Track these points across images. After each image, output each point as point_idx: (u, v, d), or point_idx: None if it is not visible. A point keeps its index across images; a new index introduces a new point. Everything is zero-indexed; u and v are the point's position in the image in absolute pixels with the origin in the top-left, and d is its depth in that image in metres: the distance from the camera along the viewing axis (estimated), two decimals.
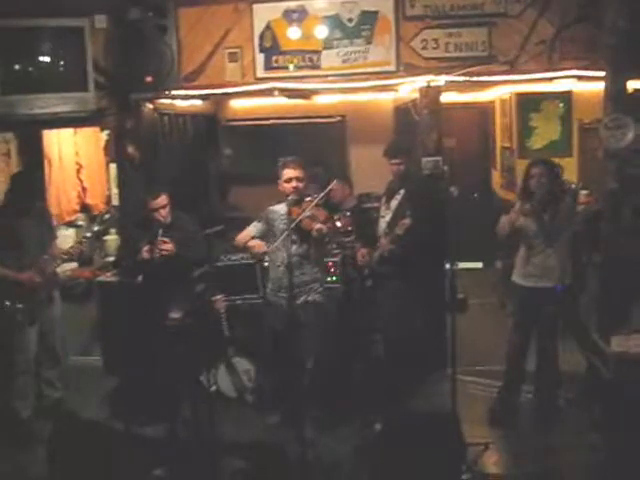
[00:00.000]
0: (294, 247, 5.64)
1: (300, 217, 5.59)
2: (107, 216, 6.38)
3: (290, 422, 5.78)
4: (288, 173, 5.84)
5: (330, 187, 5.98)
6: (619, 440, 5.56)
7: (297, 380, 5.60)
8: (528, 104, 9.23)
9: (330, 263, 6.71)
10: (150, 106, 7.52)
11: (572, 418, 6.07)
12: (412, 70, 7.01)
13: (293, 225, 5.51)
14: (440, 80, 6.93)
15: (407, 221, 6.14)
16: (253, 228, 6.02)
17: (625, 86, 6.28)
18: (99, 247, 8.53)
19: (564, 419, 6.02)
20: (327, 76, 7.14)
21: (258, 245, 5.93)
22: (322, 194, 5.75)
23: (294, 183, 5.81)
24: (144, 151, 7.37)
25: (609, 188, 6.41)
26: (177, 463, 5.27)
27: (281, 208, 5.91)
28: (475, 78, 6.93)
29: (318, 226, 5.66)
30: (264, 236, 5.99)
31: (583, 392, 6.31)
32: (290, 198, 5.77)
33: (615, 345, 5.85)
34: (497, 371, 6.44)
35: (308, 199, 5.77)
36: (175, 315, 6.09)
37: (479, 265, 10.29)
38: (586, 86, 8.75)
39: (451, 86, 7.22)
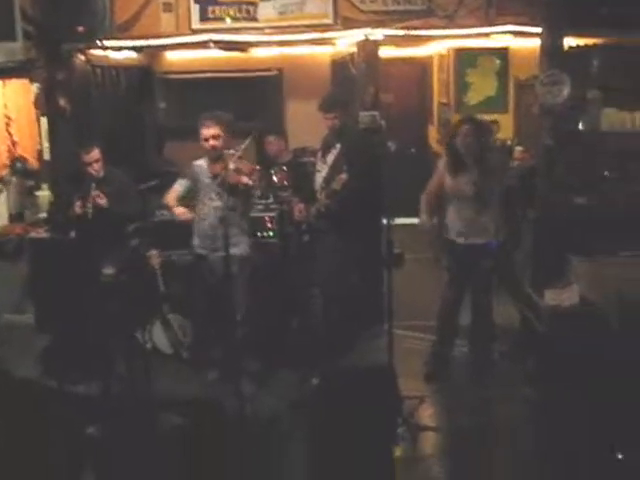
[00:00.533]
0: (219, 201, 5.59)
1: (224, 172, 5.51)
2: (19, 165, 6.21)
3: (225, 378, 5.77)
4: (203, 132, 5.76)
5: (248, 140, 5.87)
6: (552, 393, 5.68)
7: (229, 334, 5.57)
8: (465, 60, 9.25)
9: (267, 218, 6.66)
10: (82, 58, 7.31)
11: (506, 371, 6.15)
12: (350, 23, 6.94)
13: (218, 181, 5.45)
14: (378, 34, 6.87)
15: (344, 176, 6.09)
16: (179, 186, 5.95)
17: (561, 42, 6.32)
18: (31, 203, 8.33)
19: (498, 372, 6.09)
20: (263, 28, 7.02)
21: (183, 213, 5.87)
22: (242, 146, 5.67)
23: (211, 142, 5.74)
24: (76, 104, 7.19)
25: (544, 144, 6.47)
26: (111, 420, 5.20)
27: (204, 162, 5.85)
28: (413, 32, 6.88)
29: (244, 179, 5.60)
30: (191, 191, 5.91)
31: (517, 345, 6.41)
32: (210, 155, 5.72)
33: (548, 299, 5.96)
34: (433, 326, 6.48)
35: (231, 152, 5.68)
36: (109, 271, 6.00)
37: (415, 221, 10.31)
38: (523, 42, 8.81)
39: (389, 40, 7.18)
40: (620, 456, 4.71)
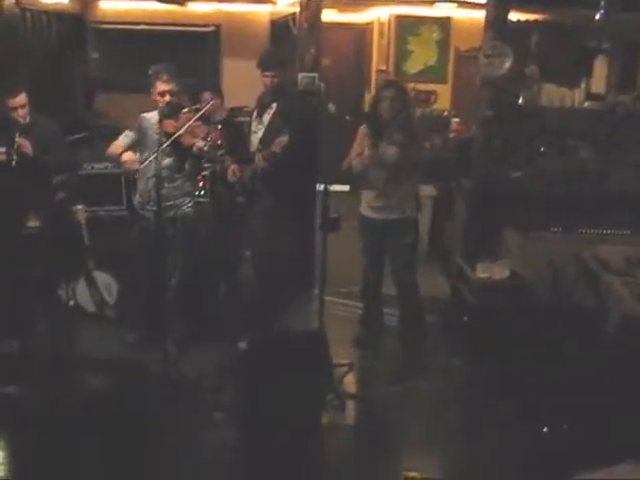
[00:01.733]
0: (167, 160, 5.40)
1: (179, 132, 5.29)
2: None
3: (150, 340, 5.63)
4: (161, 86, 5.52)
5: (210, 104, 5.70)
6: (479, 364, 5.71)
7: (161, 296, 5.41)
8: (407, 27, 9.17)
9: (199, 177, 6.48)
10: (11, 1, 6.98)
11: (435, 342, 6.15)
12: None
13: (170, 140, 5.23)
14: None
15: (285, 138, 5.92)
16: (125, 138, 5.68)
17: (506, 14, 6.26)
18: None
19: (427, 343, 6.08)
20: None
21: (131, 160, 5.56)
22: (203, 110, 5.46)
23: (167, 97, 5.51)
24: (2, 48, 6.85)
25: (483, 116, 6.43)
26: (31, 380, 5.04)
27: (154, 116, 5.61)
28: None
29: (200, 143, 5.41)
30: (136, 145, 5.68)
31: (447, 316, 6.42)
32: (163, 110, 5.49)
33: (479, 271, 5.97)
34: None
35: (185, 110, 5.47)
36: (32, 223, 5.75)
37: (346, 188, 10.26)
38: (465, 13, 8.79)
39: (332, 3, 7.04)
40: (545, 429, 4.76)
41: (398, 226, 5.74)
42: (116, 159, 5.73)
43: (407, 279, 5.91)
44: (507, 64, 6.16)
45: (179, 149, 5.44)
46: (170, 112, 5.46)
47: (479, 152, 6.53)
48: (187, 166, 5.66)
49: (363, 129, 5.86)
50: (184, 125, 5.32)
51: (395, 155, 5.57)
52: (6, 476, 4.32)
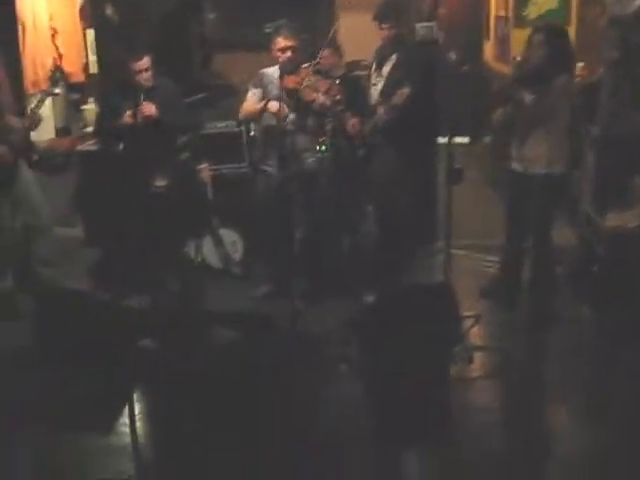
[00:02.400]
0: (289, 115, 5.40)
1: (300, 86, 5.27)
2: (57, 74, 6.05)
3: (278, 294, 5.70)
4: (282, 42, 5.52)
5: (321, 53, 5.65)
6: (609, 315, 5.54)
7: (287, 251, 5.46)
8: None
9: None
10: None
11: (563, 293, 6.00)
12: None
13: (293, 95, 5.22)
14: None
15: (406, 90, 5.82)
16: (254, 96, 5.71)
17: None
18: (77, 117, 8.23)
19: (556, 294, 5.94)
20: None
21: (276, 107, 5.55)
22: (317, 59, 5.42)
23: (289, 54, 5.51)
24: (123, 12, 6.99)
25: (610, 58, 6.15)
26: (164, 334, 5.17)
27: (274, 71, 5.61)
28: None
29: (321, 98, 5.38)
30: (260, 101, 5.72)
31: (576, 267, 6.23)
32: (285, 66, 5.49)
33: (611, 220, 5.76)
34: (485, 245, 6.33)
35: (305, 65, 5.45)
36: (160, 183, 5.88)
37: (466, 140, 10.10)
38: None
39: None
40: None
41: (538, 180, 5.50)
42: (257, 115, 5.72)
43: (543, 231, 5.73)
44: (637, 1, 5.87)
45: (301, 104, 5.43)
46: (292, 68, 5.46)
47: (607, 96, 6.27)
48: (309, 121, 5.64)
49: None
50: (305, 80, 5.30)
51: (540, 101, 5.36)
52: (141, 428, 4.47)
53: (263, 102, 5.61)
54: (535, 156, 5.51)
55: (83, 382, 4.54)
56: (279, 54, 5.53)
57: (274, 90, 5.53)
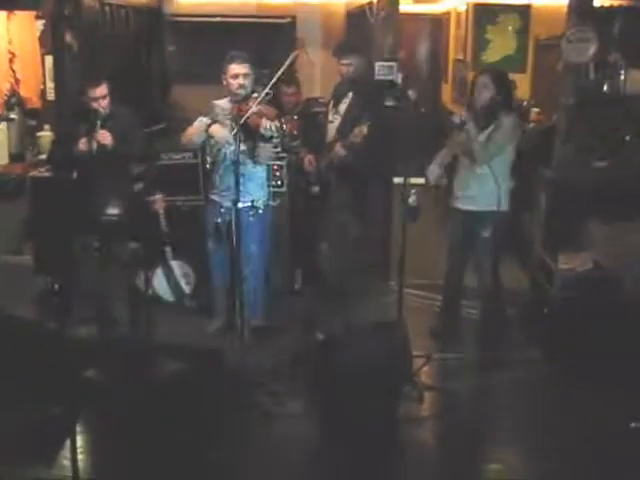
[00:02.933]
0: (240, 146, 5.38)
1: (248, 113, 5.28)
2: (13, 99, 5.99)
3: (228, 328, 5.64)
4: (234, 69, 5.52)
5: (274, 80, 5.62)
6: (560, 356, 5.57)
7: (236, 285, 5.40)
8: (485, 16, 9.00)
9: (275, 167, 6.45)
10: None
11: (515, 334, 6.03)
12: None
13: (241, 122, 5.21)
14: None
15: (364, 128, 5.86)
16: (199, 123, 5.69)
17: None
18: (32, 144, 8.13)
19: (507, 335, 5.96)
20: None
21: (221, 130, 5.56)
22: (266, 89, 5.42)
23: (240, 80, 5.50)
24: (83, 41, 6.94)
25: (565, 103, 6.26)
26: (110, 364, 5.08)
27: (225, 103, 5.62)
28: None
29: (267, 124, 5.38)
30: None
31: (527, 309, 6.28)
32: (235, 94, 5.49)
33: (562, 262, 5.81)
34: (439, 285, 6.34)
35: (254, 95, 5.46)
36: (111, 211, 5.80)
37: (422, 180, 10.15)
38: (545, 0, 8.59)
39: None
40: (634, 425, 4.60)
41: (485, 218, 5.58)
42: (198, 133, 5.70)
43: (488, 268, 5.80)
44: (592, 50, 6.00)
45: (248, 132, 5.43)
46: (242, 96, 5.46)
47: (561, 141, 6.37)
48: (258, 151, 5.62)
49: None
50: (252, 106, 5.30)
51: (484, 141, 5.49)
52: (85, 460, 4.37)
53: (207, 125, 5.59)
54: (481, 194, 5.55)
55: (25, 412, 4.46)
56: (231, 81, 5.53)
57: (225, 121, 5.52)
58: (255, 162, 5.63)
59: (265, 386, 5.13)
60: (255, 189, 5.66)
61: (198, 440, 4.45)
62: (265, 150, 5.67)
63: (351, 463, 4.42)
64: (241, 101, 5.44)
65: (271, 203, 5.86)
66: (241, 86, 5.48)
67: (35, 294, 6.57)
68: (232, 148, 5.30)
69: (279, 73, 5.20)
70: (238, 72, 5.49)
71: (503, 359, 5.70)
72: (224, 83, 5.58)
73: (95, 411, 4.68)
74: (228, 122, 5.50)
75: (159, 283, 6.36)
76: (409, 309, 5.90)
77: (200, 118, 5.69)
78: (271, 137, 5.52)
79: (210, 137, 5.62)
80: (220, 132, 5.55)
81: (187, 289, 6.37)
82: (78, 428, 4.42)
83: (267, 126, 5.38)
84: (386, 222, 6.85)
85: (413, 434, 4.84)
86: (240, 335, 5.16)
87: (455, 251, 5.94)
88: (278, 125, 5.45)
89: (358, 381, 4.67)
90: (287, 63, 5.24)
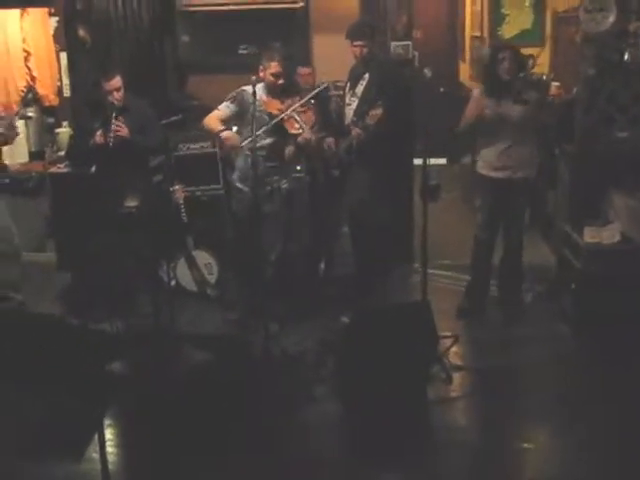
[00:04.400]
0: (268, 139, 5.35)
1: (284, 114, 5.23)
2: (30, 96, 5.98)
3: (251, 318, 5.61)
4: (275, 67, 5.50)
5: (318, 90, 5.61)
6: (589, 332, 5.50)
7: (261, 273, 5.37)
8: None
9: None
10: None
11: (543, 311, 5.96)
12: None
13: (275, 121, 5.19)
14: None
15: (379, 111, 5.79)
16: (226, 109, 5.61)
17: None
18: (51, 141, 8.14)
19: (535, 311, 5.90)
20: None
21: (232, 138, 5.54)
22: (308, 96, 5.39)
23: (280, 80, 5.49)
24: (96, 34, 6.92)
25: (586, 74, 6.15)
26: (135, 358, 5.08)
27: (258, 91, 5.52)
28: None
29: (306, 135, 5.36)
30: (234, 118, 5.65)
31: (554, 284, 6.20)
32: (271, 90, 5.47)
33: (588, 237, 5.72)
34: (463, 265, 6.28)
35: (297, 98, 5.43)
36: (131, 203, 5.78)
37: (443, 161, 10.08)
38: None
39: None
40: None
41: (519, 185, 5.76)
42: (214, 134, 5.68)
43: (518, 241, 5.93)
44: (610, 18, 5.87)
45: (281, 132, 5.38)
46: (277, 92, 5.43)
47: (583, 113, 6.25)
48: (287, 152, 5.60)
49: (477, 92, 5.89)
50: (289, 108, 5.26)
51: (521, 113, 5.61)
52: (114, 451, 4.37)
53: (220, 128, 5.56)
54: (513, 163, 5.70)
55: (54, 407, 4.46)
56: (271, 78, 5.50)
57: (256, 112, 5.43)
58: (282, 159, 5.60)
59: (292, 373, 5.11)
60: (277, 178, 5.63)
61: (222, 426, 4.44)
62: (294, 152, 5.66)
63: (381, 447, 4.37)
64: (278, 96, 5.42)
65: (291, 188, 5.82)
66: (280, 85, 5.49)
67: (59, 290, 6.58)
68: (264, 142, 5.28)
69: (303, 100, 5.21)
70: (279, 71, 5.48)
71: (532, 336, 5.63)
72: (261, 75, 5.54)
73: (122, 404, 4.68)
74: (259, 114, 5.43)
75: (182, 274, 6.35)
76: (436, 289, 5.88)
77: (227, 104, 5.62)
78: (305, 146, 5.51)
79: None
80: (231, 139, 5.52)
81: (210, 279, 6.35)
82: (106, 422, 4.45)
83: (307, 137, 5.37)
84: (409, 203, 6.78)
85: (442, 415, 4.79)
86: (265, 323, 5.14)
87: (486, 225, 5.93)
88: (317, 134, 5.44)
89: (384, 364, 4.62)
90: (314, 92, 5.25)
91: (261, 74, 5.56)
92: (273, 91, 5.51)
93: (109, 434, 4.51)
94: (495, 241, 5.99)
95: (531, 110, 5.64)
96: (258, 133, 5.21)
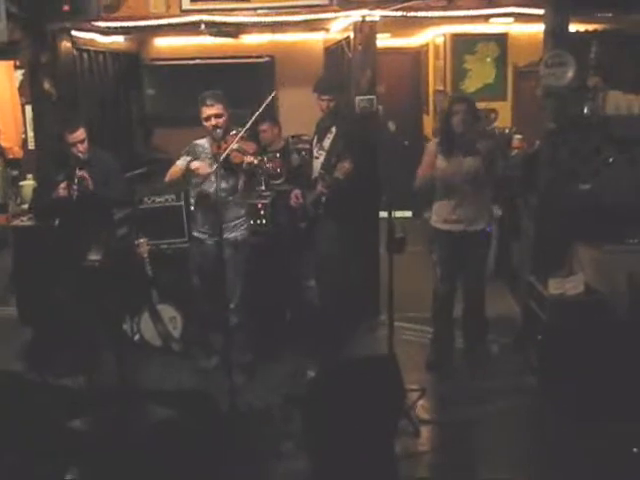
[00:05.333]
0: (222, 183, 5.34)
1: (228, 150, 5.27)
2: None
3: (219, 367, 5.56)
4: (205, 111, 5.54)
5: (253, 118, 5.59)
6: (555, 383, 5.49)
7: (223, 322, 5.33)
8: (463, 45, 9.02)
9: (259, 205, 6.43)
10: (68, 43, 7.03)
11: (508, 362, 5.96)
12: (345, 4, 6.67)
13: (222, 158, 5.20)
14: (375, 15, 6.61)
15: (347, 164, 5.89)
16: (183, 161, 5.65)
17: (567, 23, 6.12)
18: (15, 194, 8.09)
19: (501, 363, 5.90)
20: (256, 9, 6.75)
21: (201, 166, 5.52)
22: (247, 126, 5.39)
23: (213, 121, 5.51)
24: (61, 88, 6.90)
25: (547, 128, 6.26)
26: (98, 413, 4.96)
27: (205, 142, 5.62)
28: (412, 14, 6.62)
29: (249, 159, 5.34)
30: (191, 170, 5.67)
31: (519, 336, 6.22)
32: (213, 134, 5.49)
33: (552, 288, 5.76)
34: (430, 318, 6.28)
35: (233, 132, 5.44)
36: (94, 257, 5.73)
37: (408, 214, 10.13)
38: (521, 28, 8.64)
39: (385, 26, 6.95)
40: (635, 449, 4.51)
41: (475, 238, 5.78)
42: (180, 175, 5.65)
43: (479, 291, 5.96)
44: (570, 73, 6.01)
45: (229, 169, 5.41)
46: (218, 135, 5.45)
47: (545, 166, 6.36)
48: (241, 187, 5.63)
49: (432, 145, 5.91)
50: (233, 143, 5.29)
51: (472, 167, 5.63)
52: None
53: (187, 162, 5.56)
54: (467, 216, 5.73)
55: (15, 465, 4.34)
56: (205, 123, 5.53)
57: (206, 160, 5.52)
58: (236, 201, 5.62)
59: (258, 427, 5.04)
60: (235, 223, 5.64)
61: None
62: (247, 184, 5.68)
63: None
64: (220, 139, 5.44)
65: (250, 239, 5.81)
66: (215, 126, 5.49)
67: (21, 346, 6.47)
68: (214, 186, 5.28)
69: (257, 112, 5.21)
70: (210, 113, 5.53)
71: (499, 388, 5.62)
72: (202, 124, 5.58)
73: (84, 462, 4.56)
74: (209, 161, 5.50)
75: (146, 328, 6.27)
76: (402, 342, 5.86)
77: (183, 157, 5.67)
78: (255, 171, 5.50)
79: (191, 175, 5.59)
80: (201, 167, 5.52)
81: (175, 333, 6.28)
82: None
83: (250, 160, 5.35)
84: (376, 256, 6.78)
85: (411, 470, 4.74)
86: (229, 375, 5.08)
87: (445, 277, 5.93)
88: (261, 159, 5.42)
89: (351, 418, 4.57)
90: (265, 103, 5.25)
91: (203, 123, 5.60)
92: (214, 134, 5.52)
93: None
94: (454, 294, 6.01)
95: (483, 161, 5.63)
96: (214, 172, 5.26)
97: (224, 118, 5.52)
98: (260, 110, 5.22)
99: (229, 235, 5.59)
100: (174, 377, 5.82)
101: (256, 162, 5.36)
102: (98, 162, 5.87)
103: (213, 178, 5.35)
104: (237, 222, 5.69)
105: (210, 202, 5.45)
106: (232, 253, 5.59)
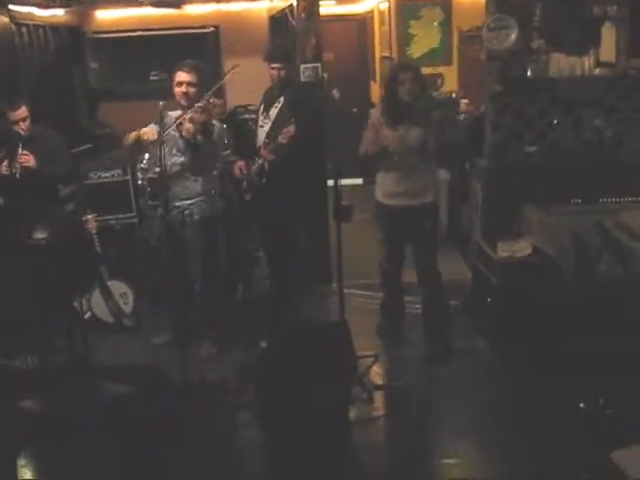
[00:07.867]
0: (181, 158, 5.29)
1: (180, 119, 5.21)
2: None
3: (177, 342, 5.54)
4: (180, 75, 5.44)
5: (211, 91, 5.53)
6: (505, 345, 5.56)
7: (181, 300, 5.30)
8: (408, 11, 9.04)
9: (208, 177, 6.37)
10: (5, 18, 6.87)
11: (459, 325, 6.02)
12: None
13: (170, 127, 5.14)
14: None
15: (291, 129, 5.79)
16: (147, 128, 5.54)
17: None
18: None
19: (451, 327, 5.94)
20: None
21: (149, 132, 5.38)
22: (206, 96, 5.33)
23: (183, 88, 5.42)
24: (0, 64, 6.76)
25: (491, 91, 6.30)
26: (50, 393, 4.93)
27: (175, 113, 5.49)
28: None
29: (187, 125, 5.29)
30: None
31: (469, 299, 6.27)
32: (181, 101, 5.42)
33: (501, 250, 5.81)
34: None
35: (199, 104, 5.36)
36: (40, 235, 5.66)
37: (359, 181, 10.14)
38: None
39: None
40: (582, 405, 4.60)
41: (420, 212, 5.50)
42: (134, 143, 5.55)
43: (430, 266, 5.67)
44: (512, 36, 6.05)
45: (187, 141, 5.36)
46: (187, 105, 5.38)
47: (491, 129, 6.40)
48: (196, 162, 5.56)
49: (376, 113, 5.61)
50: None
51: (420, 138, 5.35)
52: None
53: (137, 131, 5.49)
54: (413, 189, 5.49)
55: None
56: (176, 88, 5.44)
57: (171, 131, 5.40)
58: (195, 174, 5.55)
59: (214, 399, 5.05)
60: (192, 200, 5.58)
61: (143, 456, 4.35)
62: (205, 162, 5.60)
63: (304, 469, 4.35)
64: (184, 109, 5.38)
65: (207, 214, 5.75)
66: (184, 94, 5.41)
67: None
68: (173, 160, 5.21)
69: (217, 86, 5.17)
70: (182, 80, 5.43)
71: (450, 351, 5.68)
72: (173, 91, 5.50)
73: (36, 442, 4.54)
74: (174, 133, 5.41)
75: (97, 305, 6.22)
76: (353, 309, 5.87)
77: (151, 125, 5.54)
78: (198, 145, 5.44)
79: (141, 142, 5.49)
80: (148, 132, 5.41)
81: (126, 309, 6.24)
82: (21, 461, 4.32)
83: (188, 128, 5.30)
84: (324, 224, 6.79)
85: (364, 435, 4.78)
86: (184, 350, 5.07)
87: (391, 256, 5.80)
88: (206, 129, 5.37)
89: (305, 386, 4.60)
90: (225, 78, 5.21)
91: (173, 90, 5.51)
92: (183, 105, 5.45)
93: (25, 474, 4.36)
94: (401, 269, 5.84)
95: (435, 131, 5.36)
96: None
97: (195, 90, 5.42)
98: (222, 82, 5.17)
99: (187, 212, 5.55)
100: (127, 353, 5.78)
101: (196, 117, 5.28)
102: (41, 139, 5.78)
103: (175, 151, 5.27)
104: (196, 199, 5.60)
105: (167, 176, 5.33)
106: (195, 229, 5.56)
